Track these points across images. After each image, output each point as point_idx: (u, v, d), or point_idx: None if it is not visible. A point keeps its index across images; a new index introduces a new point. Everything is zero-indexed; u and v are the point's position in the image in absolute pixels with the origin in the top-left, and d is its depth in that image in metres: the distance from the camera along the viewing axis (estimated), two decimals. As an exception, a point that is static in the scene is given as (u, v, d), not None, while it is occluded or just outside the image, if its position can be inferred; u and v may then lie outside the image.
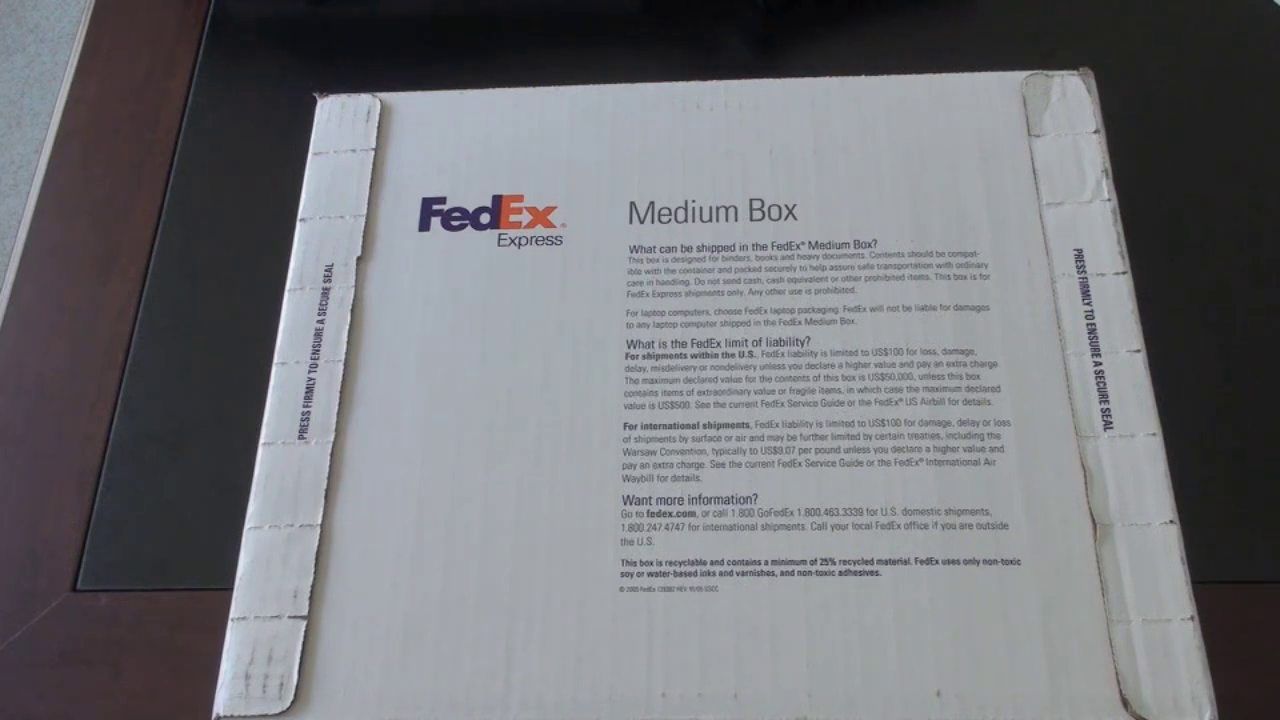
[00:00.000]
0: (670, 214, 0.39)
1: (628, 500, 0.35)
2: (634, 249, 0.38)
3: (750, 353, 0.36)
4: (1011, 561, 0.33)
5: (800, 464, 0.35)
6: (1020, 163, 0.39)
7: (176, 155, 0.49)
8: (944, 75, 0.41)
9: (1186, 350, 0.43)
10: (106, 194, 0.48)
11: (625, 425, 0.36)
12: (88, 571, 0.40)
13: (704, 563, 0.34)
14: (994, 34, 0.52)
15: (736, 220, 0.39)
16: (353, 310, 0.38)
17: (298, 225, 0.40)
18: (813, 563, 0.34)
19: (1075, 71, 0.41)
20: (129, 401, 0.43)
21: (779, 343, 0.36)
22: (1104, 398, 0.36)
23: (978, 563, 0.33)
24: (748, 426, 0.35)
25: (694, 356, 0.36)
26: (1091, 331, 0.37)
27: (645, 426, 0.36)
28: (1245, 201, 0.47)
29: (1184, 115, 0.50)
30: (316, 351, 0.38)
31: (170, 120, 0.50)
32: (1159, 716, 0.32)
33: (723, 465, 0.35)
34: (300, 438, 0.36)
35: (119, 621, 0.39)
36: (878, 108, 0.41)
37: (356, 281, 0.39)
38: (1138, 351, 0.36)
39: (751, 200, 0.39)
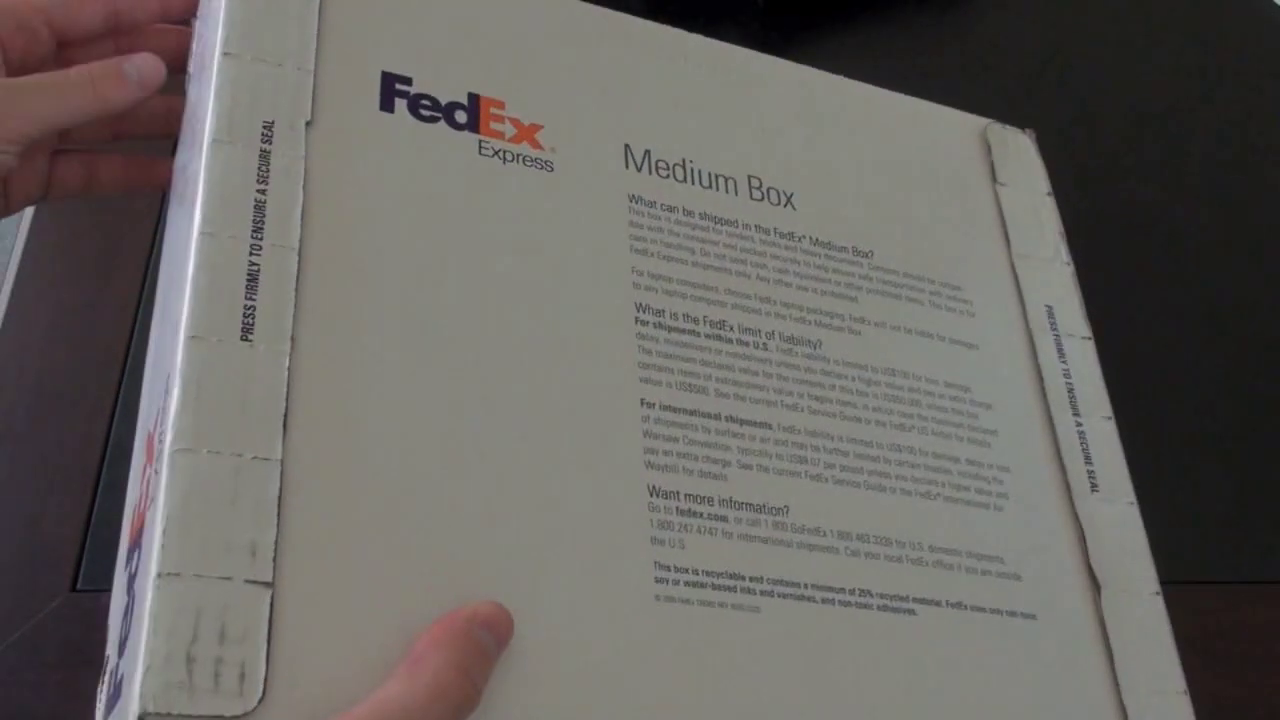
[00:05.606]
0: (669, 169, 0.36)
1: (654, 491, 0.31)
2: (634, 198, 0.35)
3: (764, 345, 0.34)
4: (1028, 615, 0.32)
5: (826, 479, 0.32)
6: (988, 208, 0.39)
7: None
8: (918, 102, 0.40)
9: (1185, 352, 0.43)
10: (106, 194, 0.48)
11: (643, 402, 0.32)
12: (88, 571, 0.40)
13: (743, 578, 0.30)
14: (993, 34, 0.52)
15: (736, 194, 0.36)
16: (305, 188, 0.30)
17: (219, 59, 0.31)
18: (851, 592, 0.31)
19: (1022, 130, 0.41)
20: (129, 401, 0.43)
21: (792, 340, 0.35)
22: (1088, 459, 0.35)
23: (1001, 613, 0.32)
24: (770, 428, 0.33)
25: (707, 337, 0.33)
26: (1070, 391, 0.36)
27: (664, 407, 0.32)
28: (1242, 201, 0.47)
29: (1183, 115, 0.50)
30: (259, 229, 0.29)
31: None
32: None
33: (750, 468, 0.32)
34: (244, 338, 0.27)
35: (119, 621, 0.39)
36: (871, 118, 0.40)
37: (307, 152, 0.30)
38: (1109, 419, 0.36)
39: (750, 177, 0.37)
